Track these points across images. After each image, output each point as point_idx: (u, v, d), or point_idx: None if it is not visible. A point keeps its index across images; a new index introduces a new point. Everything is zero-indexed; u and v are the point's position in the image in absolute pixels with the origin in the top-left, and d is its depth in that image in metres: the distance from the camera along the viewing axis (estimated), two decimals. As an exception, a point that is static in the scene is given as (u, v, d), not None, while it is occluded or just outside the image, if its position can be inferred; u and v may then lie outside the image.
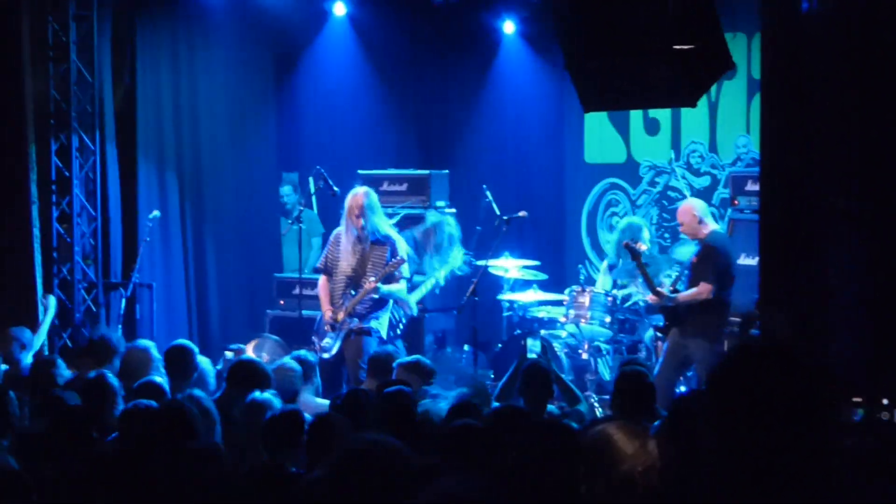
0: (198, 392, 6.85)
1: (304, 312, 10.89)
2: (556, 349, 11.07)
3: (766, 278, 7.47)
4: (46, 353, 10.32)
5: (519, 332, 11.55)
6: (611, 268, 11.90)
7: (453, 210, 12.36)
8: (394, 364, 8.09)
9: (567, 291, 11.61)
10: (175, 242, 12.24)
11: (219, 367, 9.48)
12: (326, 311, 10.11)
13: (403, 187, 12.21)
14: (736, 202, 11.14)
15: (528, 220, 11.65)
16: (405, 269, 10.12)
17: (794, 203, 7.16)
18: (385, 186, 11.91)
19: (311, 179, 11.37)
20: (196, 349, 8.07)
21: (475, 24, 13.69)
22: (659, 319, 10.19)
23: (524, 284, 11.88)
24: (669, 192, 13.18)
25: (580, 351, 11.27)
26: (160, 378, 7.56)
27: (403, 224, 11.57)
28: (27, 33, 10.51)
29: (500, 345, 11.75)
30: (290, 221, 12.23)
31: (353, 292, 9.98)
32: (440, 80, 14.29)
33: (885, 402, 5.80)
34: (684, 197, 12.45)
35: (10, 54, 10.43)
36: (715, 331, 9.67)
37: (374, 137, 13.93)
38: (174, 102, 12.25)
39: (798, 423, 2.66)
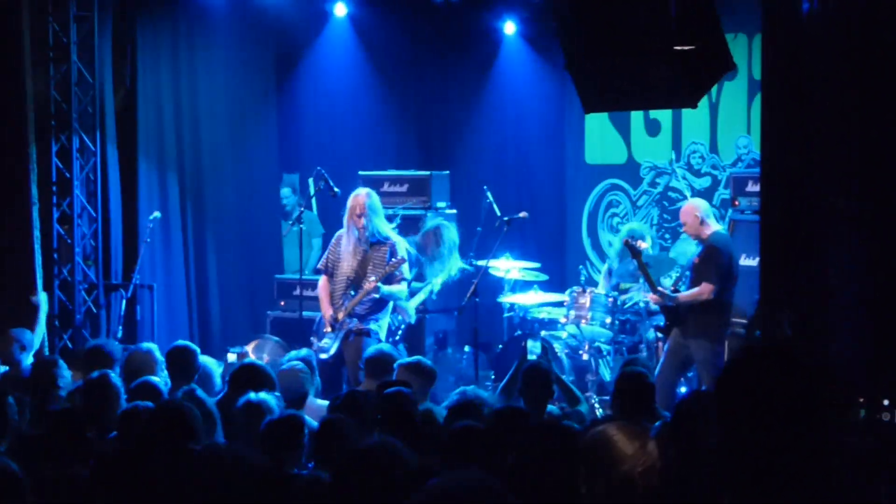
0: (200, 392, 6.85)
1: (305, 313, 10.88)
2: (556, 350, 11.06)
3: (767, 279, 7.47)
4: (47, 352, 10.31)
5: (519, 332, 11.54)
6: (610, 272, 11.90)
7: (454, 211, 12.35)
8: (394, 364, 8.08)
9: (568, 292, 11.61)
10: (176, 243, 12.23)
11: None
12: (326, 311, 10.10)
13: (404, 188, 12.21)
14: (736, 203, 11.14)
15: (528, 221, 11.65)
16: (405, 270, 10.11)
17: (795, 203, 7.16)
18: (386, 187, 11.90)
19: (310, 181, 11.37)
20: (198, 350, 8.06)
21: (476, 24, 13.69)
22: (660, 319, 10.19)
23: (525, 285, 11.87)
24: (670, 193, 13.18)
25: (581, 352, 11.26)
26: (158, 378, 7.55)
27: (404, 227, 11.56)
28: (27, 34, 10.51)
29: (500, 346, 11.75)
30: (290, 223, 12.23)
31: (353, 293, 9.97)
32: (441, 80, 14.29)
33: (886, 402, 5.80)
34: (685, 198, 12.46)
35: (10, 55, 10.42)
36: (716, 331, 9.66)
37: (374, 138, 13.93)
38: (175, 103, 12.25)
39: (800, 424, 2.66)
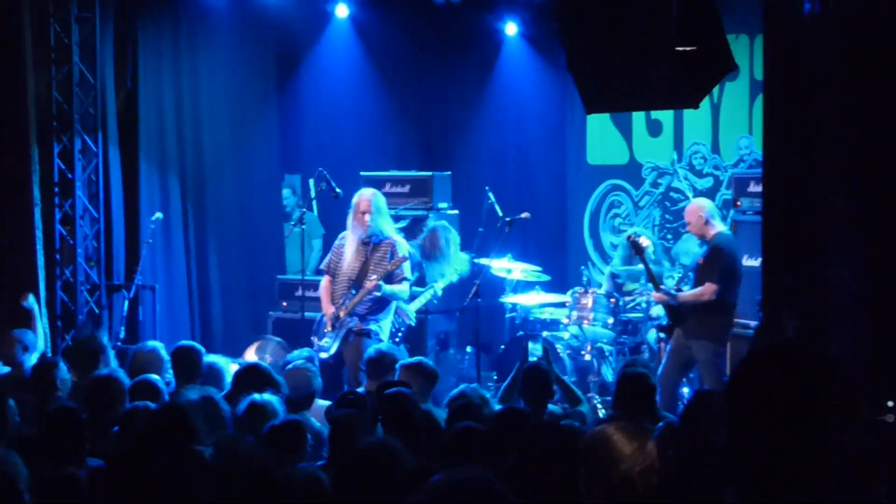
0: (213, 391, 6.83)
1: (307, 314, 10.88)
2: (558, 351, 11.06)
3: (770, 280, 7.46)
4: (50, 353, 10.31)
5: (521, 333, 11.54)
6: (613, 275, 11.91)
7: (455, 212, 12.35)
8: (395, 365, 8.07)
9: (570, 293, 11.62)
10: (177, 244, 12.23)
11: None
12: (327, 310, 10.10)
13: (406, 189, 12.21)
14: (738, 203, 11.13)
15: (530, 222, 11.64)
16: (407, 269, 10.10)
17: (797, 204, 7.15)
18: (387, 188, 11.90)
19: (311, 182, 11.37)
20: (203, 350, 8.05)
21: (477, 25, 13.70)
22: (662, 321, 10.19)
23: (527, 286, 11.88)
24: (672, 194, 13.18)
25: (583, 352, 11.27)
26: (157, 377, 7.55)
27: (409, 229, 11.55)
28: (29, 35, 10.50)
29: (502, 346, 11.74)
30: (291, 224, 12.24)
31: (354, 292, 9.97)
32: (442, 81, 14.29)
33: (890, 404, 5.80)
34: (687, 198, 12.48)
35: (11, 56, 10.42)
36: (719, 332, 9.66)
37: (376, 139, 13.94)
38: (176, 104, 12.25)
39: (805, 425, 2.66)
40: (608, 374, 11.14)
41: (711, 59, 6.92)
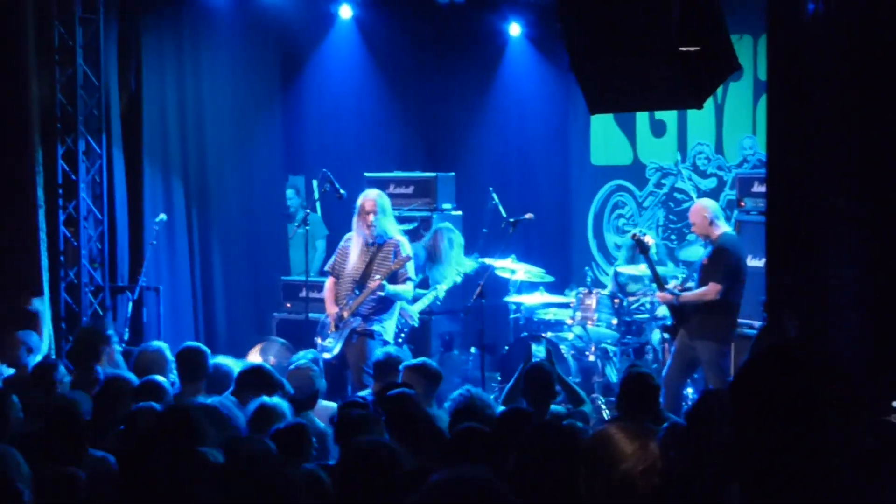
0: (228, 400, 6.83)
1: (311, 315, 10.89)
2: (562, 351, 11.06)
3: (774, 280, 7.45)
4: (53, 355, 10.33)
5: (525, 334, 11.54)
6: (617, 276, 11.90)
7: (459, 213, 12.36)
8: (399, 367, 8.08)
9: (574, 294, 11.61)
10: (181, 245, 12.25)
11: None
12: (331, 310, 10.10)
13: (409, 190, 12.21)
14: (742, 204, 11.12)
15: (534, 223, 11.64)
16: (411, 269, 10.09)
17: (798, 204, 7.15)
18: (391, 189, 11.90)
19: (315, 183, 11.38)
20: (208, 351, 8.06)
21: (481, 26, 13.70)
22: (667, 321, 10.18)
23: (531, 287, 11.88)
24: (676, 194, 13.17)
25: (587, 353, 11.26)
26: (163, 378, 7.56)
27: (416, 232, 11.56)
28: (33, 37, 10.51)
29: (506, 347, 11.74)
30: (295, 225, 12.24)
31: (357, 292, 9.97)
32: (446, 82, 14.29)
33: (894, 404, 5.79)
34: (691, 199, 12.47)
35: (15, 58, 10.42)
36: (723, 332, 9.66)
37: (379, 140, 13.94)
38: (180, 105, 12.26)
39: (807, 425, 2.66)
40: (612, 374, 11.14)
41: (715, 60, 6.91)
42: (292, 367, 8.05)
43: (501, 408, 7.08)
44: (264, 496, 4.26)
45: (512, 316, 11.97)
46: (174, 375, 8.06)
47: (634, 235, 10.20)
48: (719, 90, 12.01)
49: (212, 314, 12.58)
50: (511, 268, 11.56)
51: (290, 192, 13.69)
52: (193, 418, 5.62)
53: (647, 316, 11.27)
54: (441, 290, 11.26)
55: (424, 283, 11.36)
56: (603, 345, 11.29)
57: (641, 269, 10.91)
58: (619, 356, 11.23)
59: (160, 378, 7.43)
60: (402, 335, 10.67)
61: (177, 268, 12.20)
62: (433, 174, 12.36)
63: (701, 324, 9.62)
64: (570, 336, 11.43)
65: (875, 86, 6.70)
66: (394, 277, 9.91)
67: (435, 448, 5.54)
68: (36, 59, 10.60)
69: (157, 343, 8.67)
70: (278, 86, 13.55)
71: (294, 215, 13.29)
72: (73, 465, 5.16)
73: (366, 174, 12.14)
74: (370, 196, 10.14)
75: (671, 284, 10.23)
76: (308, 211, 11.51)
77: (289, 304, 12.08)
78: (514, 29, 13.83)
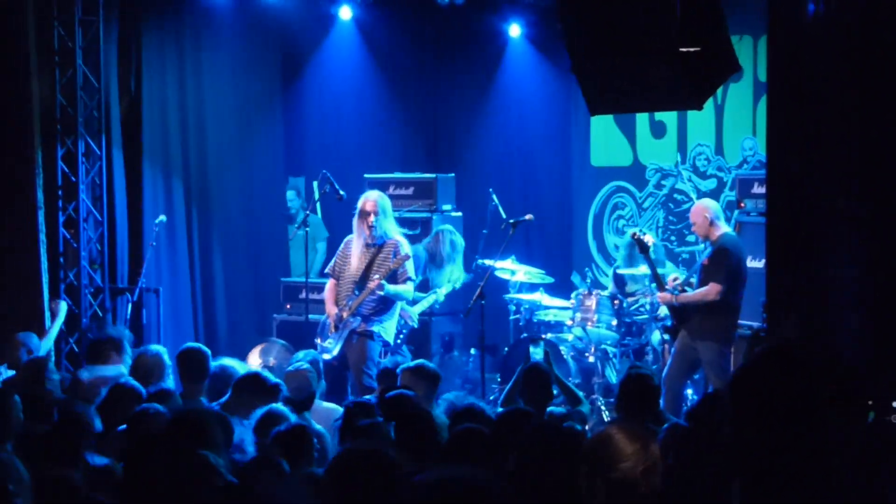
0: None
1: (311, 316, 10.89)
2: (562, 353, 11.06)
3: (774, 281, 7.45)
4: (53, 357, 10.32)
5: (525, 335, 11.54)
6: (616, 277, 11.89)
7: (459, 214, 12.36)
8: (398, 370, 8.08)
9: (574, 295, 11.61)
10: (181, 247, 12.24)
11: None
12: (331, 311, 10.09)
13: (410, 191, 12.22)
14: (742, 205, 11.13)
15: (534, 224, 11.64)
16: (410, 269, 10.08)
17: (801, 204, 7.15)
18: (391, 190, 11.91)
19: (315, 184, 11.38)
20: (209, 352, 8.06)
21: (481, 27, 13.70)
22: (667, 322, 10.18)
23: (531, 288, 11.88)
24: (676, 195, 13.17)
25: (587, 354, 11.26)
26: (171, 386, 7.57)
27: (418, 238, 11.56)
28: (33, 38, 10.50)
29: (506, 348, 11.74)
30: (295, 226, 12.25)
31: (357, 294, 9.96)
32: (446, 83, 14.30)
33: (894, 405, 5.79)
34: (691, 200, 12.47)
35: (15, 59, 10.41)
36: (724, 333, 9.65)
37: (379, 141, 13.95)
38: (180, 107, 12.26)
39: (807, 425, 2.66)
40: (612, 376, 11.14)
41: (715, 60, 6.92)
42: (289, 368, 8.05)
43: (500, 409, 7.09)
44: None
45: (512, 317, 11.97)
46: (171, 381, 8.07)
47: (634, 235, 10.20)
48: (719, 91, 12.01)
49: (212, 316, 12.58)
50: (511, 269, 11.56)
51: (291, 194, 13.69)
52: (205, 422, 5.60)
53: (647, 317, 11.26)
54: (441, 293, 11.26)
55: (424, 286, 11.36)
56: (603, 346, 11.29)
57: (642, 269, 10.90)
58: (619, 357, 11.23)
59: (170, 385, 7.44)
60: (402, 336, 10.67)
61: (177, 269, 12.19)
62: (433, 175, 12.37)
63: (702, 325, 9.62)
64: (570, 337, 11.43)
65: (875, 86, 6.70)
66: (393, 277, 9.90)
67: (435, 448, 5.54)
68: (36, 61, 10.59)
69: (155, 347, 8.65)
70: (279, 87, 13.55)
71: (294, 217, 13.30)
72: (70, 469, 5.15)
73: (366, 175, 12.15)
74: (371, 197, 10.13)
75: (671, 277, 10.20)
76: (308, 212, 11.50)
77: (289, 306, 12.08)
78: (514, 30, 13.83)
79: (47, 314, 10.38)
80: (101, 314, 11.35)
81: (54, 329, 10.13)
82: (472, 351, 11.79)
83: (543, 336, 11.30)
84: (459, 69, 14.16)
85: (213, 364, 7.97)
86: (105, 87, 11.34)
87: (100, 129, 11.30)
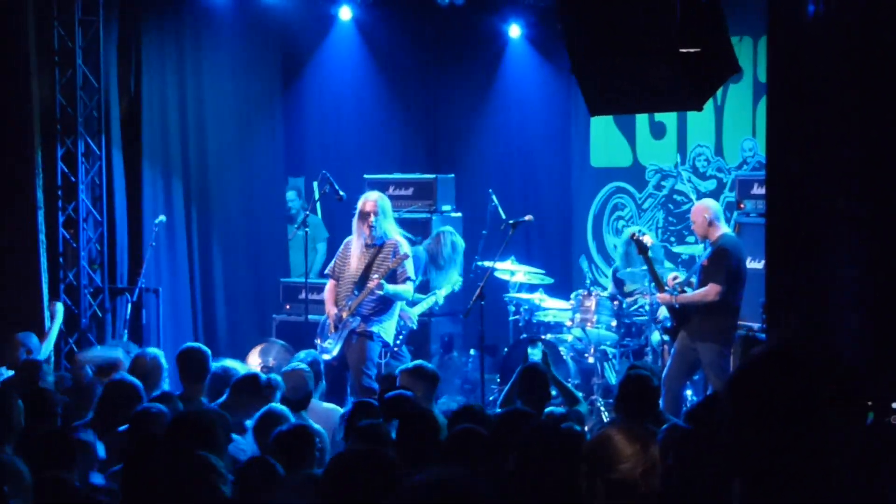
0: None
1: (311, 317, 10.89)
2: (561, 353, 11.05)
3: (773, 281, 7.44)
4: (53, 358, 10.32)
5: (525, 335, 11.54)
6: (616, 278, 11.89)
7: (459, 215, 12.36)
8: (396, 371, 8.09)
9: (573, 295, 11.61)
10: (181, 247, 12.24)
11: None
12: (331, 311, 10.09)
13: (409, 191, 12.22)
14: (742, 205, 11.13)
15: (534, 225, 11.64)
16: (410, 269, 10.08)
17: (801, 205, 7.14)
18: (391, 191, 11.91)
19: (315, 185, 11.38)
20: (209, 352, 8.06)
21: (481, 28, 13.71)
22: (666, 323, 10.17)
23: (530, 288, 11.88)
24: (675, 196, 13.17)
25: (586, 355, 11.26)
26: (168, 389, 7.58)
27: (416, 239, 11.56)
28: (33, 38, 10.52)
29: (506, 349, 11.74)
30: (295, 227, 12.25)
31: (357, 294, 9.96)
32: (446, 84, 14.31)
33: (894, 405, 5.78)
34: (690, 200, 12.47)
35: (15, 59, 10.43)
36: (724, 334, 9.64)
37: (379, 141, 13.95)
38: (180, 107, 12.25)
39: (807, 424, 2.66)
40: (612, 376, 11.13)
41: (715, 61, 6.91)
42: (286, 368, 8.06)
43: (498, 410, 7.09)
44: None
45: (512, 318, 11.97)
46: (167, 384, 8.07)
47: (633, 235, 10.19)
48: (719, 92, 12.00)
49: (211, 316, 12.57)
50: (511, 269, 11.57)
51: (291, 194, 13.69)
52: (210, 423, 5.59)
53: (646, 318, 11.26)
54: (440, 295, 11.26)
55: (425, 287, 11.36)
56: (602, 346, 11.29)
57: (641, 269, 10.90)
58: (619, 358, 11.22)
59: (167, 388, 7.45)
60: (401, 337, 10.67)
61: (176, 269, 12.19)
62: (433, 176, 12.37)
63: (702, 325, 9.62)
64: (570, 338, 11.43)
65: (875, 86, 6.69)
66: (393, 276, 9.90)
67: (434, 449, 5.53)
68: (36, 61, 10.60)
69: (153, 350, 8.67)
70: (279, 87, 13.55)
71: (294, 217, 13.30)
72: (70, 470, 5.15)
73: (366, 176, 12.15)
74: (371, 198, 10.13)
75: (670, 277, 10.19)
76: (308, 213, 11.50)
77: (288, 306, 12.08)
78: (514, 30, 13.83)
79: (47, 314, 10.39)
80: (100, 315, 11.35)
81: (53, 331, 10.13)
82: (472, 351, 11.79)
83: (543, 337, 11.29)
84: (459, 70, 14.16)
85: (215, 365, 7.97)
86: (105, 87, 11.34)
87: (99, 129, 11.30)
